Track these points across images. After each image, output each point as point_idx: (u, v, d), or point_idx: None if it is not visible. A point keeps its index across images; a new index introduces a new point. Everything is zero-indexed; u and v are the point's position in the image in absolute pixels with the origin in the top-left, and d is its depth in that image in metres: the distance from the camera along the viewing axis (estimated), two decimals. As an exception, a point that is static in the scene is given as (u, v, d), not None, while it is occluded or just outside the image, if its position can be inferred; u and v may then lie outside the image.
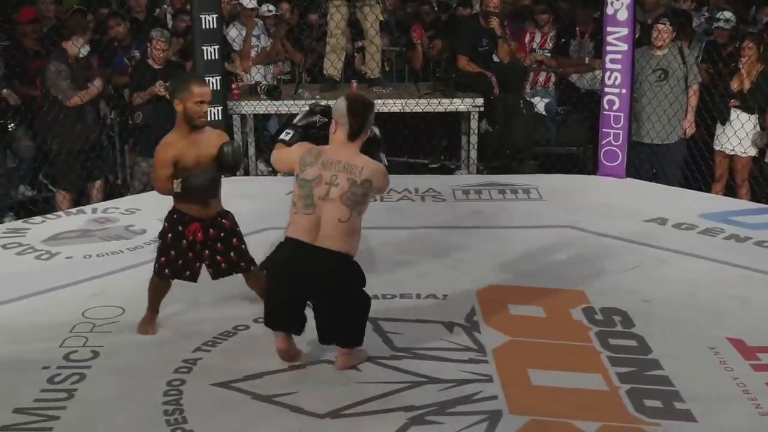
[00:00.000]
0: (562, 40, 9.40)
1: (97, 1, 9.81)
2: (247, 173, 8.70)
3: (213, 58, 8.23)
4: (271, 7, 9.74)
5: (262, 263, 4.75)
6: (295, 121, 4.91)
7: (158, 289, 5.07)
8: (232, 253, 5.04)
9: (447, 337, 5.05)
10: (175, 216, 4.95)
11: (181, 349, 4.85)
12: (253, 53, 9.42)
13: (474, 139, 8.80)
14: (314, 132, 4.84)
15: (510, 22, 9.39)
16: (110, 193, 8.46)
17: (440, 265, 6.20)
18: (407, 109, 8.71)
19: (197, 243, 4.97)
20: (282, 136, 4.82)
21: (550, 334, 5.12)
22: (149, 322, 5.11)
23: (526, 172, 8.72)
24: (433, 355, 4.81)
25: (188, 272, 5.01)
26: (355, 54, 9.61)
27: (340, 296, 4.50)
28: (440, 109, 8.70)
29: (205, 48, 8.18)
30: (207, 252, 5.01)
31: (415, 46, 9.49)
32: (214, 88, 8.19)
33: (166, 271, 4.98)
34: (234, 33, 9.39)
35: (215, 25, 8.23)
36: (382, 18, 8.96)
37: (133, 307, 5.25)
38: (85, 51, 7.94)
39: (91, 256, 6.34)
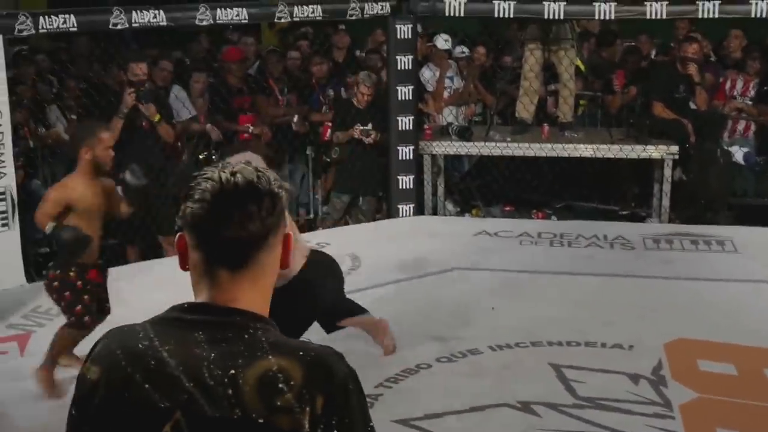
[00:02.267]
0: (765, 87, 9.07)
1: (294, 39, 10.17)
2: (435, 212, 8.78)
3: (407, 98, 8.38)
4: (465, 49, 9.84)
5: None
6: None
7: (72, 339, 5.07)
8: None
9: (632, 389, 4.93)
10: (74, 267, 4.98)
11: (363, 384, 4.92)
12: (445, 94, 9.53)
13: (667, 187, 8.57)
14: None
15: (710, 69, 9.15)
16: (302, 227, 8.70)
17: (627, 314, 6.06)
18: (599, 155, 8.59)
19: (98, 284, 5.09)
20: None
21: (742, 394, 4.92)
22: (53, 376, 5.02)
23: (721, 224, 8.42)
24: (617, 407, 4.70)
25: (102, 313, 5.11)
26: (548, 97, 9.58)
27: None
28: (633, 155, 8.54)
29: (399, 88, 8.34)
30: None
31: (614, 91, 9.38)
32: (407, 127, 8.33)
33: (86, 318, 5.01)
34: (428, 74, 9.52)
35: (410, 66, 8.39)
36: (577, 63, 8.90)
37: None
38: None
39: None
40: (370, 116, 8.29)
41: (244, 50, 9.20)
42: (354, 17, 8.23)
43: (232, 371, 1.61)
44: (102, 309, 5.12)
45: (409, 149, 8.45)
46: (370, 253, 7.28)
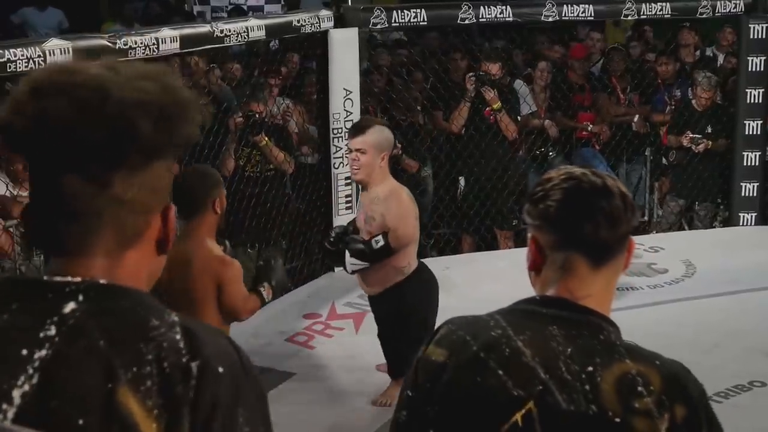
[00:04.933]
0: None
1: (639, 37, 9.95)
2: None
3: (757, 101, 7.97)
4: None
5: None
6: None
7: None
8: None
9: None
10: None
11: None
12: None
13: None
14: None
15: None
16: (636, 229, 8.50)
17: None
18: None
19: None
20: None
21: None
22: None
23: None
24: None
25: None
26: None
27: None
28: None
29: (749, 91, 7.95)
30: None
31: None
32: (755, 132, 7.94)
33: None
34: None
35: (763, 68, 7.97)
36: None
37: (648, 344, 5.26)
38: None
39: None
40: (707, 120, 7.94)
41: (589, 47, 9.14)
42: (705, 15, 7.95)
43: (590, 368, 1.64)
44: None
45: (756, 155, 8.03)
46: (706, 261, 7.02)
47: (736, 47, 8.42)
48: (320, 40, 6.82)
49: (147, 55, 5.27)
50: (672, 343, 5.14)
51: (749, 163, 8.01)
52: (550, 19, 7.56)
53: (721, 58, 9.15)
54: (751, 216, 8.07)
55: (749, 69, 7.95)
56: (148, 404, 1.23)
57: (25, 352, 1.25)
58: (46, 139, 1.28)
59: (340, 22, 6.81)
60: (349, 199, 6.81)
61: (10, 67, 4.49)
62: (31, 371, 1.24)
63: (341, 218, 6.49)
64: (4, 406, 1.22)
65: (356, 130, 4.73)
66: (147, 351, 1.26)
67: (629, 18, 8.32)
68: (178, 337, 1.29)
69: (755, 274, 6.66)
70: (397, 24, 7.15)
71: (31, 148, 1.31)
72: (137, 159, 1.31)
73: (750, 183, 8.04)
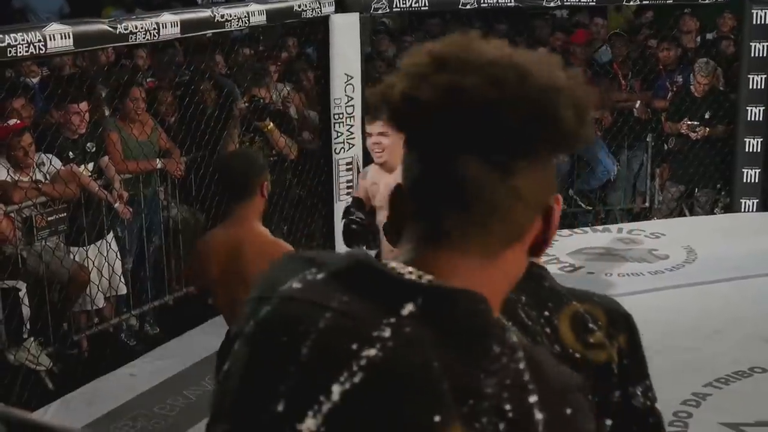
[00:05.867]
0: None
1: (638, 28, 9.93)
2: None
3: (759, 87, 7.95)
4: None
5: None
6: None
7: None
8: None
9: None
10: None
11: (691, 382, 4.78)
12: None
13: None
14: None
15: None
16: (637, 215, 8.53)
17: None
18: None
19: None
20: None
21: None
22: None
23: None
24: None
25: None
26: None
27: None
28: None
29: (751, 77, 7.93)
30: None
31: None
32: (757, 118, 7.92)
33: None
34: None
35: (765, 54, 7.94)
36: None
37: (649, 330, 5.25)
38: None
39: (612, 275, 6.45)
40: (707, 107, 7.92)
41: (591, 33, 9.11)
42: (707, 0, 7.93)
43: (546, 312, 1.87)
44: None
45: (758, 141, 8.01)
46: (707, 247, 7.01)
47: (737, 33, 8.39)
48: (321, 25, 6.80)
49: (147, 40, 5.26)
50: (673, 329, 5.16)
51: (751, 150, 7.99)
52: (552, 4, 7.53)
53: (722, 45, 9.11)
54: (753, 202, 8.06)
55: (751, 55, 7.92)
56: None
57: (354, 346, 1.11)
58: (456, 114, 1.13)
59: (341, 7, 6.78)
60: (350, 184, 6.79)
61: (10, 51, 4.49)
62: (355, 368, 1.10)
63: (342, 204, 6.48)
64: (322, 398, 1.10)
65: (377, 113, 4.74)
66: (487, 385, 1.08)
67: (631, 3, 8.29)
68: (521, 366, 1.11)
69: (756, 260, 6.66)
70: (399, 9, 7.12)
71: (433, 123, 1.15)
72: (545, 149, 1.18)
73: (752, 169, 8.02)
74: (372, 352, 1.09)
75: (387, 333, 1.10)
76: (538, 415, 1.08)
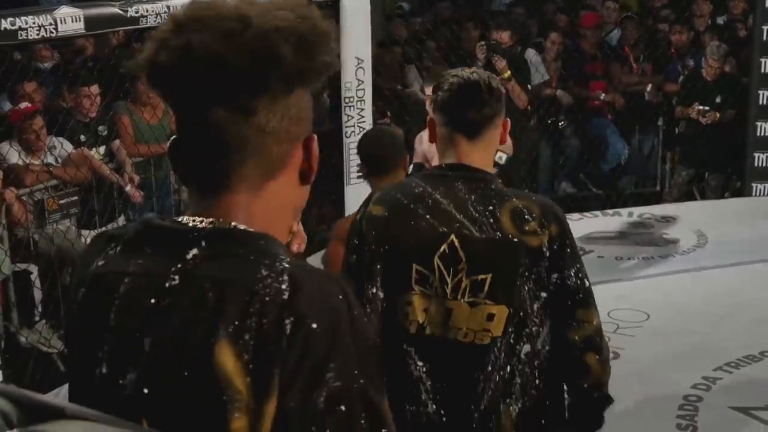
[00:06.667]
0: None
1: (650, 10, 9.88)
2: None
3: (772, 71, 7.91)
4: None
5: None
6: None
7: None
8: None
9: None
10: None
11: (701, 366, 4.79)
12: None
13: None
14: None
15: None
16: (648, 199, 8.50)
17: None
18: None
19: None
20: None
21: None
22: None
23: None
24: None
25: None
26: None
27: None
28: None
29: (763, 60, 7.89)
30: None
31: None
32: (768, 102, 7.89)
33: None
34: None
35: (778, 37, 7.91)
36: None
37: (659, 314, 5.27)
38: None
39: (622, 259, 6.45)
40: (718, 91, 7.88)
41: (602, 15, 9.07)
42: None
43: (491, 207, 2.32)
44: None
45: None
46: (718, 231, 6.99)
47: (748, 16, 8.34)
48: (332, 8, 6.78)
49: (158, 23, 5.25)
50: (683, 313, 5.16)
51: (762, 134, 7.96)
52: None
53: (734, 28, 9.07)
54: (764, 186, 8.03)
55: (763, 38, 7.88)
56: (244, 358, 1.24)
57: (153, 300, 1.31)
58: (192, 70, 1.29)
59: (352, -10, 6.76)
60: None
61: (21, 35, 4.49)
62: (156, 319, 1.30)
63: (353, 187, 6.48)
64: (136, 353, 1.30)
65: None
66: (251, 303, 1.26)
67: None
68: (284, 287, 1.27)
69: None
70: (409, -7, 7.10)
71: (176, 82, 1.31)
72: (280, 86, 1.32)
73: (763, 153, 7.99)
74: (167, 300, 1.29)
75: (177, 279, 1.30)
76: (288, 328, 1.25)
